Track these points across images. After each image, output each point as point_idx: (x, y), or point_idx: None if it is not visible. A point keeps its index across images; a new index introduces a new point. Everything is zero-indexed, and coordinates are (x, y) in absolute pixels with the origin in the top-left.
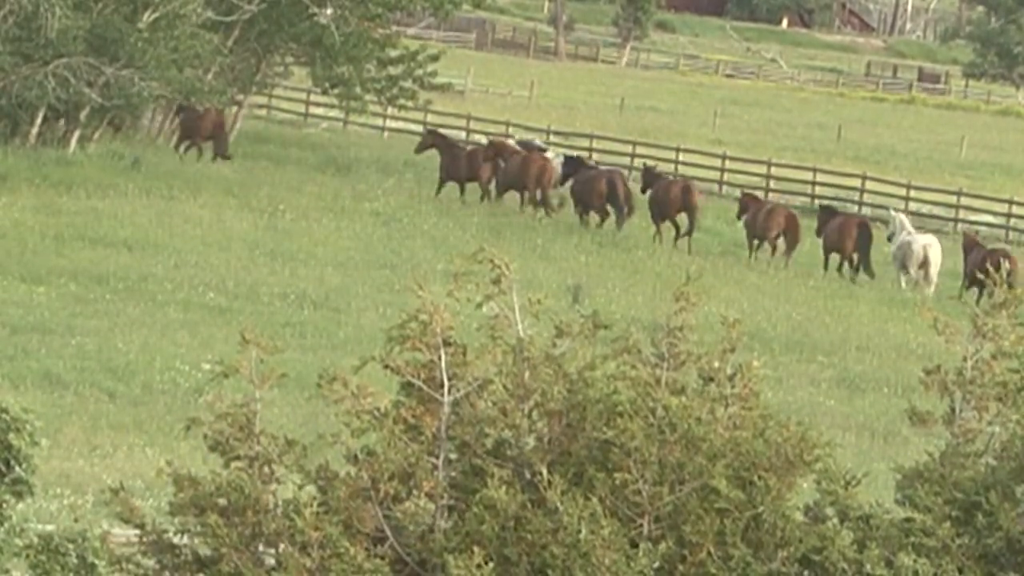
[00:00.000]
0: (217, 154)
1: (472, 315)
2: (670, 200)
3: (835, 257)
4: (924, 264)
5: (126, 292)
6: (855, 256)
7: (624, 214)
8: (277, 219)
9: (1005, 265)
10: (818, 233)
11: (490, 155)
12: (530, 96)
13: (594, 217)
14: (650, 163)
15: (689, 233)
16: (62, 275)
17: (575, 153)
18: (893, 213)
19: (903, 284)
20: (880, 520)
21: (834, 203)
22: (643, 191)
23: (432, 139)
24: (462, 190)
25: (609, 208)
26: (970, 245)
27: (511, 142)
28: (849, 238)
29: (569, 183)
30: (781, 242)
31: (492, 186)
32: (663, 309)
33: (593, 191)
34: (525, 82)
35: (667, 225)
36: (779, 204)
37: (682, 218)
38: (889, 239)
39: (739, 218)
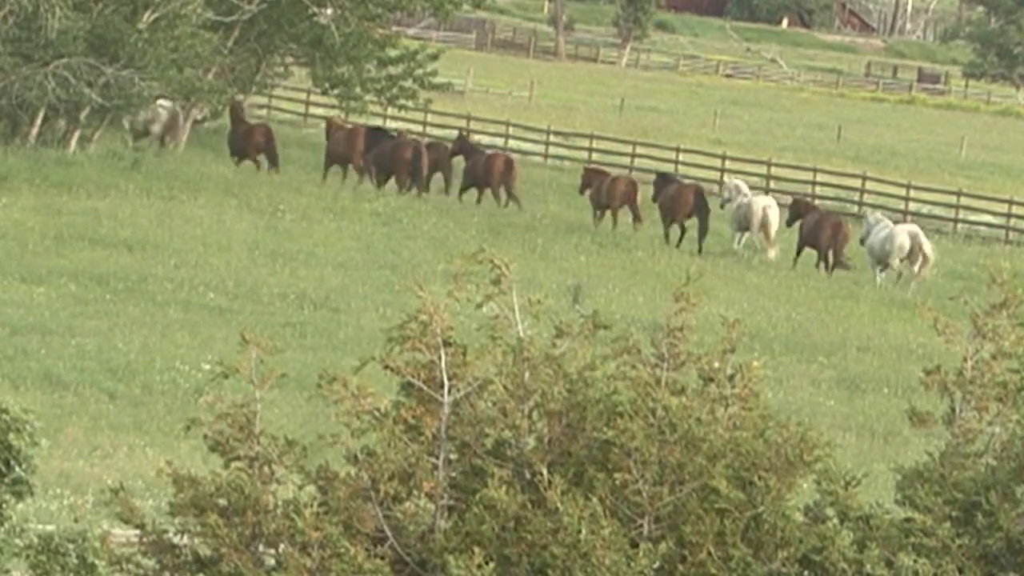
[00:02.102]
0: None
1: (472, 315)
2: (681, 204)
3: (694, 231)
4: (764, 224)
5: (126, 292)
6: (696, 223)
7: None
8: (277, 219)
9: (844, 231)
10: (654, 200)
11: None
12: (530, 96)
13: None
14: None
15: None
16: (62, 275)
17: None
18: (726, 180)
19: (737, 245)
20: (880, 520)
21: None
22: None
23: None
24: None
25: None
26: (803, 209)
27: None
28: (685, 205)
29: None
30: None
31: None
32: (663, 309)
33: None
34: (525, 82)
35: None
36: (621, 175)
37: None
38: (722, 206)
39: (582, 192)
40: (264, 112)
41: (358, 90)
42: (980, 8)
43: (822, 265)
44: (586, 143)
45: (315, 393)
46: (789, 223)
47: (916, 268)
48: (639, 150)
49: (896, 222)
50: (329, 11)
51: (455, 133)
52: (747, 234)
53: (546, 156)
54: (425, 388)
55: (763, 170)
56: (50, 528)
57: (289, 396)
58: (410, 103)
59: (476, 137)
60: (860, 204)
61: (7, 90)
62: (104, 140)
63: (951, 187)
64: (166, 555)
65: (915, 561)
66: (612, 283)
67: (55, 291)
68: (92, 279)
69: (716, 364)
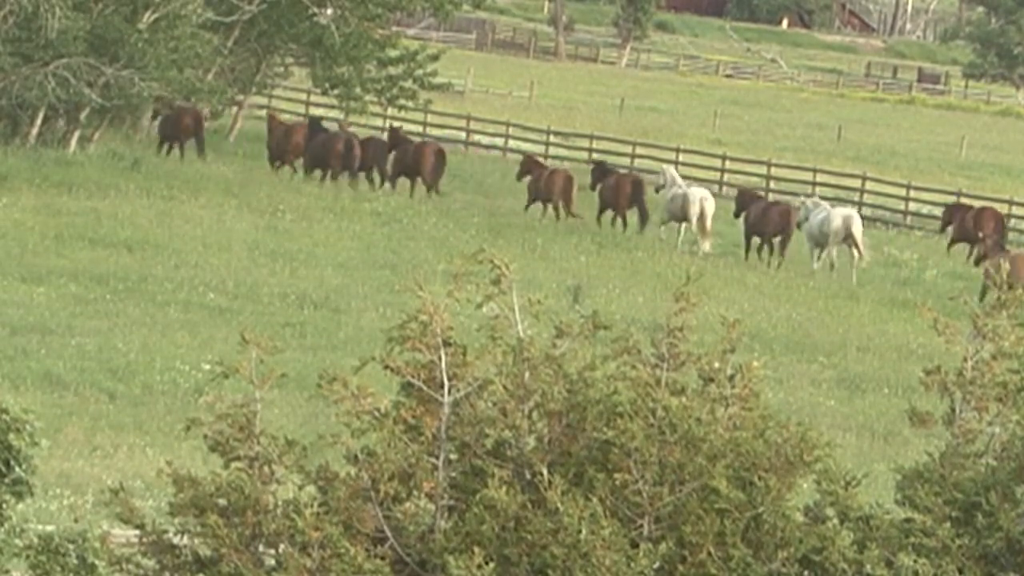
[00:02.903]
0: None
1: (472, 315)
2: (620, 194)
3: (634, 218)
4: (701, 216)
5: (126, 292)
6: (635, 212)
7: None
8: (277, 219)
9: (791, 218)
10: (592, 188)
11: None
12: (530, 96)
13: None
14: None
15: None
16: (62, 275)
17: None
18: (663, 167)
19: (662, 233)
20: (880, 520)
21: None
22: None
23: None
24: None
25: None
26: (749, 199)
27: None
28: (623, 195)
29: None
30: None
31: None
32: (663, 309)
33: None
34: (525, 82)
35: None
36: (558, 168)
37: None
38: (657, 191)
39: (519, 179)
40: (264, 112)
41: (358, 90)
42: (980, 8)
43: (774, 256)
44: (586, 143)
45: (315, 393)
46: (736, 214)
47: (855, 252)
48: (639, 150)
49: (834, 206)
50: (329, 11)
51: (455, 133)
52: (689, 224)
53: (546, 156)
54: (425, 388)
55: (763, 170)
56: (50, 528)
57: (289, 396)
58: (410, 103)
59: (476, 137)
60: (860, 204)
61: (7, 90)
62: (104, 140)
63: (951, 187)
64: (166, 555)
65: (915, 561)
66: (612, 283)
67: (55, 291)
68: (92, 279)
69: (716, 364)
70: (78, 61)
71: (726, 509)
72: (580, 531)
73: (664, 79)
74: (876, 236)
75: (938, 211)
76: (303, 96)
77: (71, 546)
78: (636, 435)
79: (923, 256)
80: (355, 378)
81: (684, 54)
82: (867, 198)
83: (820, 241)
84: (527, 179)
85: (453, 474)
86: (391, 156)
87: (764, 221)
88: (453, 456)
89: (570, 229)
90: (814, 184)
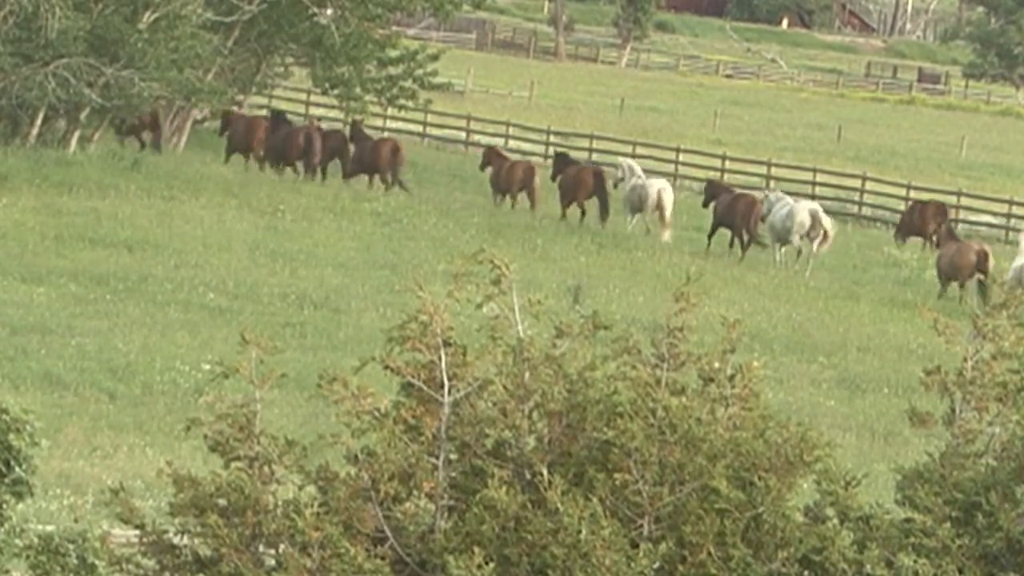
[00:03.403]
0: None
1: (472, 316)
2: (581, 185)
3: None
4: (659, 206)
5: (126, 292)
6: (595, 203)
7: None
8: (277, 220)
9: (757, 208)
10: (553, 179)
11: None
12: (530, 96)
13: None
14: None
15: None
16: (62, 275)
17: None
18: (621, 159)
19: (629, 226)
20: (880, 521)
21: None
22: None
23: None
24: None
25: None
26: (717, 190)
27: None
28: (584, 186)
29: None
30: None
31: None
32: (663, 310)
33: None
34: (525, 82)
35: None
36: (520, 160)
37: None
38: (616, 185)
39: (482, 170)
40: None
41: (358, 90)
42: (980, 8)
43: (738, 246)
44: (586, 143)
45: (315, 393)
46: (705, 204)
47: (815, 245)
48: (639, 150)
49: (797, 199)
50: (329, 11)
51: (455, 133)
52: (644, 216)
53: (546, 156)
54: (425, 388)
55: (763, 170)
56: (50, 528)
57: (289, 396)
58: (410, 103)
59: (476, 137)
60: (860, 204)
61: (7, 90)
62: (104, 140)
63: (951, 187)
64: (166, 555)
65: (915, 561)
66: (612, 283)
67: (55, 291)
68: (92, 279)
69: (716, 364)
70: (78, 61)
71: (726, 509)
72: (580, 531)
73: (664, 79)
74: (876, 236)
75: None
76: (303, 96)
77: (71, 546)
78: (636, 435)
79: (923, 256)
80: (355, 378)
81: (684, 54)
82: (867, 198)
83: (782, 235)
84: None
85: (453, 474)
86: (351, 151)
87: (731, 212)
88: (453, 456)
89: (570, 229)
90: (814, 184)
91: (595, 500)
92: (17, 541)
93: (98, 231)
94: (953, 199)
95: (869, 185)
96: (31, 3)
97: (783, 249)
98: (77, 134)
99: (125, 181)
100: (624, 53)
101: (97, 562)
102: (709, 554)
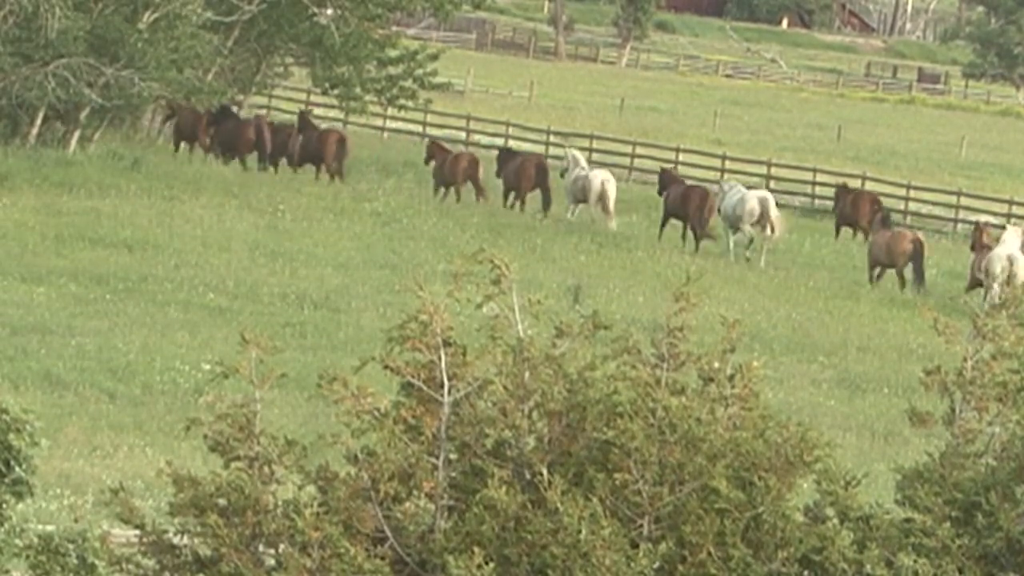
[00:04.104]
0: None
1: (472, 315)
2: (524, 177)
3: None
4: (602, 197)
5: (126, 292)
6: (537, 195)
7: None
8: (277, 220)
9: (710, 201)
10: (498, 174)
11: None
12: (530, 96)
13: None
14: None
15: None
16: (62, 275)
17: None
18: (567, 150)
19: (571, 216)
20: (880, 520)
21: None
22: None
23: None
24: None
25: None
26: (669, 180)
27: None
28: (527, 178)
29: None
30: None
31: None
32: (663, 309)
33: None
34: (525, 82)
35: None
36: (462, 152)
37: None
38: (562, 175)
39: (427, 163)
40: (264, 112)
41: (358, 90)
42: (980, 8)
43: (691, 238)
44: (586, 143)
45: (315, 393)
46: (660, 193)
47: (767, 234)
48: (639, 150)
49: (750, 187)
50: (329, 11)
51: (455, 133)
52: (588, 205)
53: (546, 156)
54: (425, 388)
55: (763, 170)
56: (50, 528)
57: (289, 396)
58: (410, 103)
59: (476, 137)
60: None
61: (7, 90)
62: (104, 140)
63: (951, 187)
64: (166, 555)
65: (915, 561)
66: (612, 283)
67: (55, 291)
68: (92, 279)
69: (716, 364)
70: (78, 61)
71: (726, 509)
72: (580, 531)
73: (664, 79)
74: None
75: (938, 211)
76: (303, 96)
77: (71, 546)
78: (636, 435)
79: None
80: (355, 378)
81: (684, 54)
82: None
83: (732, 222)
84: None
85: (453, 474)
86: (299, 141)
87: (684, 205)
88: (453, 456)
89: (570, 229)
90: (814, 184)
91: (595, 500)
92: (17, 541)
93: (98, 231)
94: (953, 199)
95: (869, 185)
96: (31, 3)
97: (734, 237)
98: (77, 134)
99: (125, 181)
100: (624, 53)
101: (97, 562)
102: (709, 554)
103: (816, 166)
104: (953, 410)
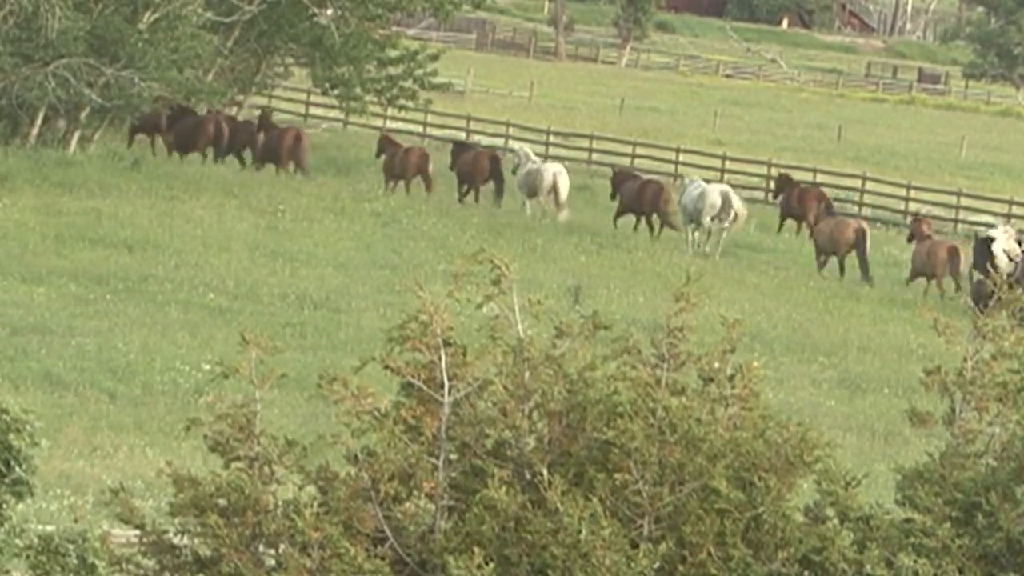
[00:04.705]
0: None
1: (472, 316)
2: (478, 169)
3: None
4: (554, 189)
5: (126, 293)
6: (490, 187)
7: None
8: (277, 220)
9: (665, 193)
10: (452, 167)
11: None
12: (530, 96)
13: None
14: (460, 137)
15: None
16: (62, 276)
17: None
18: (516, 147)
19: (527, 209)
20: (880, 521)
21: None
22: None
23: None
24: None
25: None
26: (623, 177)
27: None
28: (481, 170)
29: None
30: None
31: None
32: (663, 309)
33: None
34: (525, 83)
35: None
36: (413, 146)
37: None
38: (514, 172)
39: (377, 157)
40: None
41: (358, 90)
42: (980, 8)
43: (647, 230)
44: (586, 143)
45: (315, 393)
46: (612, 196)
47: (726, 225)
48: (639, 150)
49: (709, 181)
50: (329, 11)
51: (455, 133)
52: (538, 200)
53: (546, 157)
54: (425, 388)
55: (763, 170)
56: (50, 528)
57: (289, 396)
58: (410, 103)
59: (476, 137)
60: (860, 204)
61: (7, 90)
62: (104, 140)
63: (951, 187)
64: (166, 555)
65: (915, 561)
66: (612, 283)
67: (55, 291)
68: (92, 279)
69: (716, 364)
70: (78, 61)
71: (726, 509)
72: (580, 531)
73: (664, 79)
74: (876, 236)
75: (938, 211)
76: (303, 96)
77: (71, 546)
78: (636, 435)
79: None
80: (355, 378)
81: (684, 54)
82: (867, 198)
83: (693, 216)
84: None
85: (453, 474)
86: (259, 141)
87: (639, 199)
88: (453, 456)
89: (570, 229)
90: (814, 184)
91: (595, 500)
92: (17, 541)
93: (98, 231)
94: (953, 199)
95: (869, 185)
96: (31, 3)
97: (695, 232)
98: (77, 134)
99: (125, 181)
100: (624, 53)
101: (97, 562)
102: (709, 554)
103: (816, 166)
104: (953, 410)
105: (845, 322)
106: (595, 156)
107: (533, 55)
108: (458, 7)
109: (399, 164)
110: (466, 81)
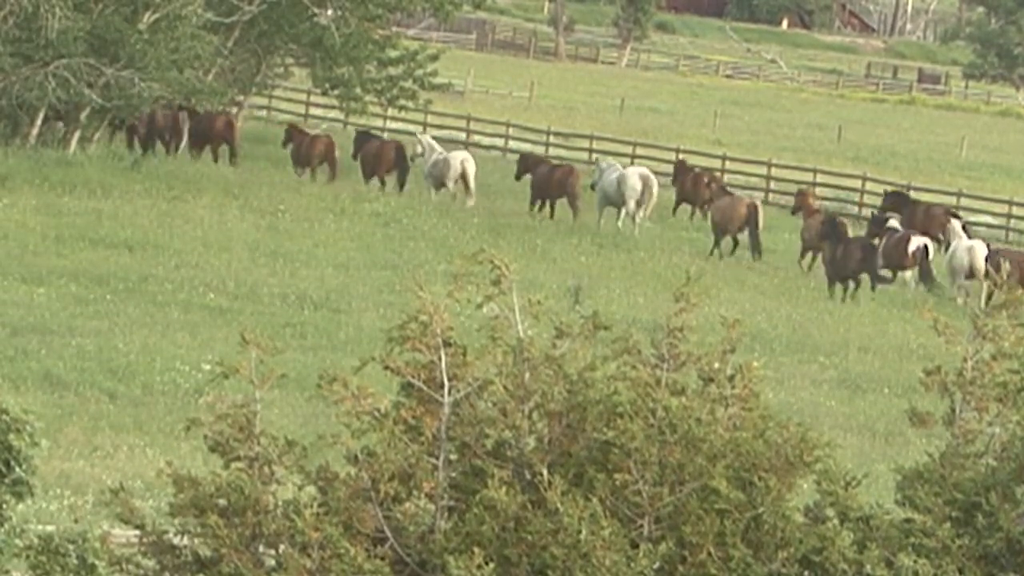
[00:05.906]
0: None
1: (472, 316)
2: (382, 159)
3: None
4: (463, 176)
5: (126, 293)
6: (394, 176)
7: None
8: (278, 220)
9: (574, 177)
10: (354, 157)
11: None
12: (530, 97)
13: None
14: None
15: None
16: (63, 276)
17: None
18: (417, 136)
19: (433, 197)
20: (880, 521)
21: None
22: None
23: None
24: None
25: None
26: (531, 163)
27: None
28: (385, 161)
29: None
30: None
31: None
32: (663, 310)
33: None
34: (525, 83)
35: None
36: (319, 134)
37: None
38: (413, 160)
39: (284, 147)
40: (264, 113)
41: (358, 91)
42: (980, 9)
43: (563, 217)
44: (586, 143)
45: (315, 393)
46: (517, 177)
47: (644, 210)
48: (639, 150)
49: (626, 166)
50: (329, 12)
51: (454, 134)
52: (447, 188)
53: (546, 156)
54: (425, 388)
55: (763, 170)
56: (50, 528)
57: (289, 396)
58: (410, 104)
59: (476, 137)
60: (860, 205)
61: (7, 90)
62: (104, 140)
63: (951, 187)
64: (166, 556)
65: (915, 562)
66: (612, 283)
67: (55, 291)
68: (92, 279)
69: (716, 364)
70: (78, 61)
71: (726, 509)
72: (580, 531)
73: (664, 79)
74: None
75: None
76: (303, 96)
77: (71, 546)
78: (636, 435)
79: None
80: (355, 378)
81: (684, 54)
82: (867, 198)
83: (615, 201)
84: (291, 147)
85: (453, 474)
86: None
87: (547, 184)
88: (453, 456)
89: (570, 229)
90: (814, 184)
91: (595, 500)
92: (17, 541)
93: (98, 231)
94: (953, 199)
95: (869, 185)
96: (31, 3)
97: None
98: (77, 134)
99: (126, 181)
100: (624, 53)
101: (97, 562)
102: (709, 554)
103: (816, 166)
104: (953, 410)
105: (845, 322)
106: (595, 156)
107: (533, 55)
108: (458, 7)
109: (305, 152)
110: (466, 81)
